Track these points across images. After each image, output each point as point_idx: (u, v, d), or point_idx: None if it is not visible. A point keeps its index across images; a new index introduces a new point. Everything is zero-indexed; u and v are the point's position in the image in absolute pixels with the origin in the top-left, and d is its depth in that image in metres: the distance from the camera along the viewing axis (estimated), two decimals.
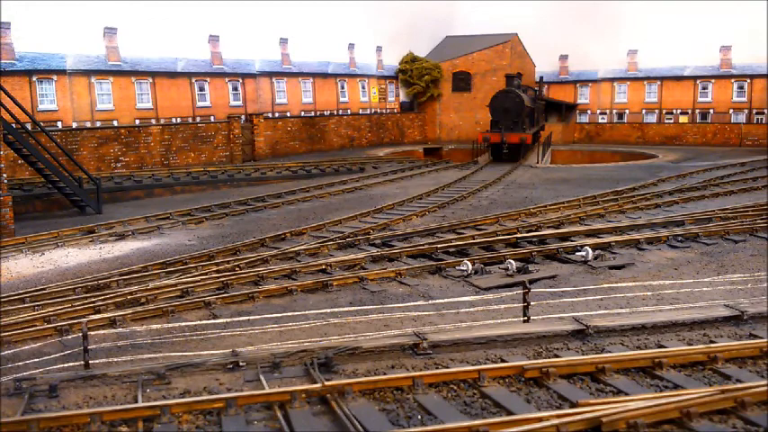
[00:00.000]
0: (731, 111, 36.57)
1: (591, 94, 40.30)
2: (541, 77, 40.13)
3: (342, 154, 31.72)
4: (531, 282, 9.54)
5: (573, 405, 5.72)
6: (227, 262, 11.74)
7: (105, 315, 8.88)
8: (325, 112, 34.01)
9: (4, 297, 9.76)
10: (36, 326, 8.56)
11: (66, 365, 7.06)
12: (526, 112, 29.66)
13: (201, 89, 28.06)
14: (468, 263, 10.98)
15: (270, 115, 30.66)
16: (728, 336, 7.52)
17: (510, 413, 5.61)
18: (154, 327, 8.29)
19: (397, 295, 9.98)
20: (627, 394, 5.95)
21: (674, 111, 38.12)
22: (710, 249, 12.49)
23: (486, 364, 6.71)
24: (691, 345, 7.17)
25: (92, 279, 10.73)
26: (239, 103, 29.61)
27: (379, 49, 37.51)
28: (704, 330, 7.69)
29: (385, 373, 6.48)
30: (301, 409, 5.75)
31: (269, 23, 29.88)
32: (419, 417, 5.67)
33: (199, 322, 8.79)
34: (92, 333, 7.82)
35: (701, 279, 10.26)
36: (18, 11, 21.27)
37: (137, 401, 5.95)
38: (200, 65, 27.90)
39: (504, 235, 13.46)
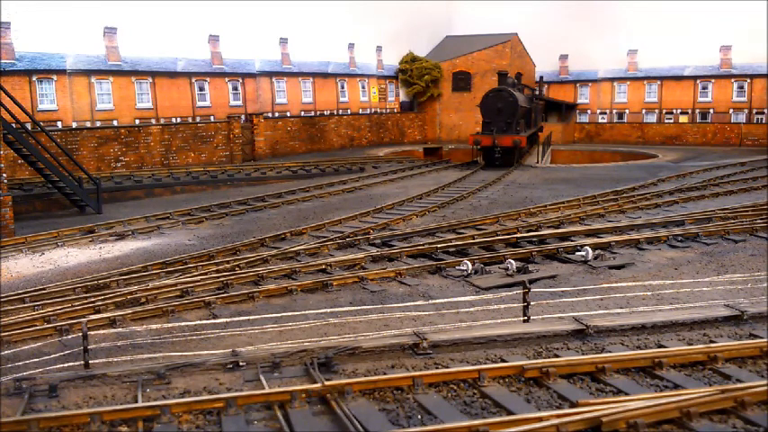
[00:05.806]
0: (731, 111, 36.57)
1: (591, 93, 40.29)
2: (541, 77, 40.11)
3: (342, 154, 31.71)
4: (531, 282, 9.54)
5: (573, 405, 5.72)
6: (227, 262, 11.74)
7: (105, 315, 8.88)
8: (325, 112, 34.00)
9: (4, 297, 9.76)
10: (36, 326, 8.56)
11: (66, 365, 7.06)
12: (521, 113, 27.69)
13: (201, 89, 28.05)
14: (468, 263, 10.98)
15: (270, 115, 30.65)
16: (728, 336, 7.51)
17: (510, 413, 5.60)
18: (154, 327, 8.28)
19: (397, 295, 9.97)
20: (627, 394, 5.94)
21: (674, 111, 38.12)
22: (710, 249, 12.49)
23: (486, 363, 6.70)
24: (691, 345, 7.16)
25: (92, 279, 10.73)
26: (239, 102, 29.60)
27: (379, 48, 37.50)
28: (704, 330, 7.69)
29: (385, 373, 6.47)
30: (301, 408, 5.74)
31: (269, 23, 29.86)
32: (419, 416, 5.67)
33: (199, 322, 8.78)
34: (92, 333, 7.81)
35: (701, 279, 10.26)
36: (18, 11, 21.27)
37: (137, 401, 5.95)
38: (200, 65, 27.89)
39: (503, 235, 13.46)
